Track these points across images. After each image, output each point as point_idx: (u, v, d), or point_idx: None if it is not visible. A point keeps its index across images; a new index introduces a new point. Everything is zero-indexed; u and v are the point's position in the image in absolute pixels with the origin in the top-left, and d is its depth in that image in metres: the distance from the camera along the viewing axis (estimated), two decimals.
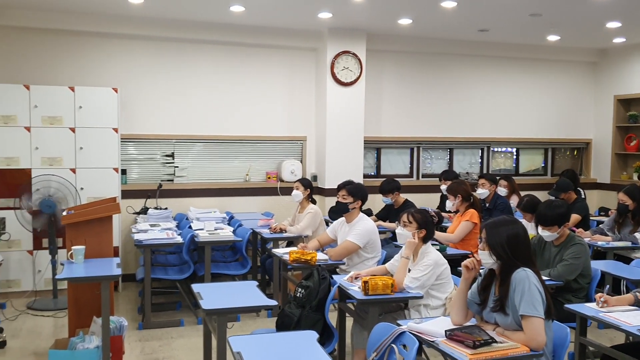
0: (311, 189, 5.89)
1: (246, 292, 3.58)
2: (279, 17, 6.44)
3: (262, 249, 6.40)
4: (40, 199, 5.57)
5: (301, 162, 7.41)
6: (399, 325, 2.85)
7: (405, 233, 3.72)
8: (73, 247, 4.26)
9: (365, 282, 3.42)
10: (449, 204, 5.17)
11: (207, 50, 7.00)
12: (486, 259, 2.89)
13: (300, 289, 3.63)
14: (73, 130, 6.01)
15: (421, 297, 3.55)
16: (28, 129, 5.87)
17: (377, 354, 2.68)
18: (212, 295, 3.44)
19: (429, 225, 3.74)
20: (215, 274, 5.53)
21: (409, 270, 3.65)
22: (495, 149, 8.57)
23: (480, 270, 3.02)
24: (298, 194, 5.81)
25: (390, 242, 5.80)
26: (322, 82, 7.13)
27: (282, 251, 4.80)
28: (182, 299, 5.81)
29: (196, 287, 3.61)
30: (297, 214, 5.88)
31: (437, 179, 7.24)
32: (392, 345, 2.64)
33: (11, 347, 4.63)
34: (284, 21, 6.66)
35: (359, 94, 7.14)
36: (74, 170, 6.03)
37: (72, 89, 6.00)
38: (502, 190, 6.61)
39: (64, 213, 4.60)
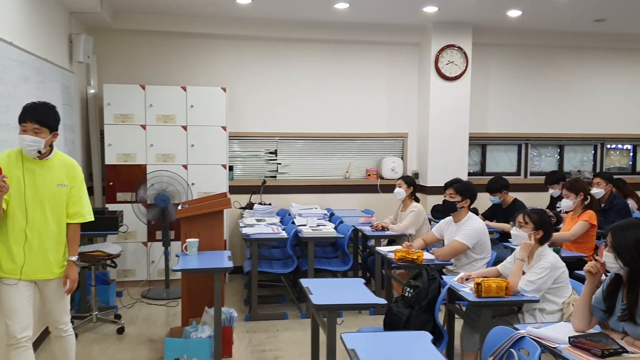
0: (414, 187, 5.80)
1: (354, 289, 3.57)
2: (383, 12, 6.39)
3: (364, 246, 6.39)
4: (155, 193, 5.87)
5: (402, 159, 7.32)
6: (516, 329, 2.73)
7: (520, 234, 3.56)
8: (187, 240, 4.45)
9: (478, 284, 3.31)
10: (566, 203, 4.86)
11: (310, 49, 7.08)
12: (611, 263, 2.70)
13: (408, 289, 3.58)
14: (185, 128, 6.28)
15: (537, 301, 3.39)
16: (144, 127, 6.21)
17: (494, 358, 2.58)
18: (320, 290, 3.46)
19: (546, 226, 3.55)
20: (317, 269, 5.58)
21: (524, 273, 3.49)
22: (610, 146, 8.05)
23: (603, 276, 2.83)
24: (401, 191, 5.74)
25: (498, 243, 5.59)
26: (425, 77, 7.00)
27: (386, 249, 4.75)
28: (286, 293, 5.93)
29: (305, 282, 3.65)
30: (400, 212, 5.81)
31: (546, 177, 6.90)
32: (511, 350, 2.53)
33: (129, 334, 4.91)
34: (387, 17, 6.60)
35: (464, 89, 6.94)
36: (185, 167, 6.31)
37: (184, 88, 6.28)
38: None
39: (179, 207, 4.81)
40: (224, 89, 6.36)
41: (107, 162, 6.18)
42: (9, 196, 3.13)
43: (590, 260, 2.86)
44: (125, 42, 6.65)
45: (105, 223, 5.24)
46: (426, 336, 2.74)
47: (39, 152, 3.18)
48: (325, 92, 7.15)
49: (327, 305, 3.22)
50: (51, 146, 3.29)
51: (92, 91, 6.32)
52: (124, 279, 6.29)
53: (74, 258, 3.35)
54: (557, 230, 5.08)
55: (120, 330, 4.92)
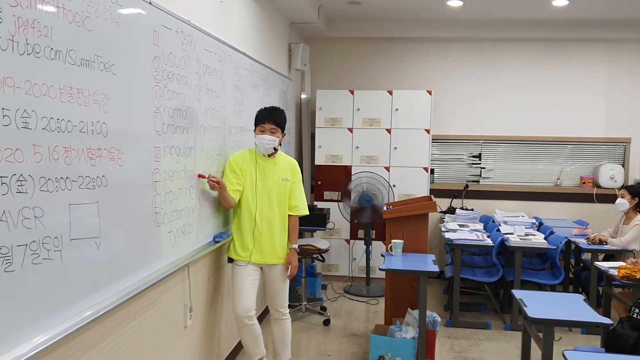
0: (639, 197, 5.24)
1: (573, 305, 3.35)
2: (607, 8, 5.87)
3: (577, 260, 5.94)
4: (360, 193, 6.10)
5: (623, 166, 6.66)
6: None
7: None
8: (393, 241, 4.55)
9: None
10: None
11: (520, 48, 6.78)
12: None
13: (637, 310, 3.25)
14: (389, 131, 6.43)
15: None
16: (351, 130, 6.48)
17: None
18: (535, 303, 3.30)
19: None
20: (524, 280, 5.32)
21: None
22: None
23: None
24: (623, 202, 5.22)
25: None
26: None
27: (607, 265, 4.37)
28: (488, 302, 5.76)
29: (517, 293, 3.51)
30: (621, 225, 5.29)
31: None
32: None
33: (334, 326, 5.17)
34: (611, 12, 6.05)
35: None
36: (387, 169, 6.45)
37: (390, 92, 6.42)
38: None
39: (385, 208, 4.93)
40: (430, 92, 6.37)
41: (317, 162, 6.57)
42: (243, 188, 3.58)
43: None
44: (337, 49, 7.00)
45: (314, 219, 5.59)
46: None
47: (274, 149, 3.60)
48: (534, 93, 6.79)
49: (545, 320, 3.06)
50: (277, 148, 3.67)
51: (305, 96, 6.77)
52: (328, 273, 6.62)
53: (295, 246, 3.68)
54: None
55: (327, 322, 5.20)
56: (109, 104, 2.25)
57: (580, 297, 3.47)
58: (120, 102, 2.34)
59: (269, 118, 3.59)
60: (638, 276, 3.79)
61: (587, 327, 4.93)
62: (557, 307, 3.31)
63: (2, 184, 1.67)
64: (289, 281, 3.78)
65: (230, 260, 3.67)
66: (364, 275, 6.39)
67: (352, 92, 6.46)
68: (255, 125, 3.62)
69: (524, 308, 3.20)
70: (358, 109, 6.45)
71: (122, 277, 2.39)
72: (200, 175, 3.29)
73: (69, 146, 1.99)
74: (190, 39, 3.08)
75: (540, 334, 3.17)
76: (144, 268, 2.59)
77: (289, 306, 3.88)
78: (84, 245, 2.10)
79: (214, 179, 3.36)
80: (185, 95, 3.03)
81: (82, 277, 2.10)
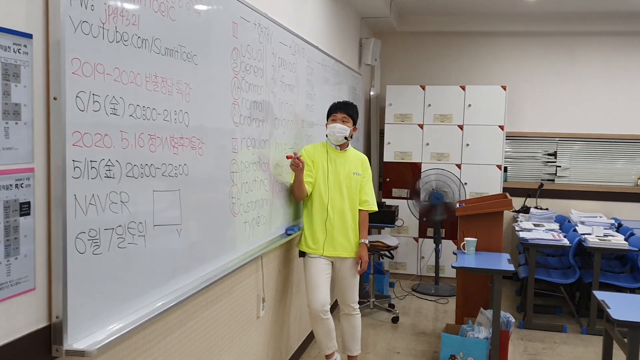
0: None
1: None
2: None
3: None
4: (430, 191, 6.00)
5: None
6: None
7: None
8: (466, 239, 4.44)
9: None
10: None
11: (597, 42, 6.48)
12: None
13: None
14: (461, 127, 6.29)
15: None
16: (421, 126, 6.38)
17: None
18: (619, 305, 3.13)
19: None
20: (602, 283, 5.07)
21: None
22: None
23: None
24: None
25: None
26: None
27: None
28: (563, 304, 5.53)
29: (599, 295, 3.35)
30: None
31: None
32: None
33: (402, 323, 5.11)
34: None
35: None
36: (459, 166, 6.31)
37: (463, 88, 6.28)
38: None
39: (457, 206, 4.82)
40: (504, 87, 6.18)
41: (385, 159, 6.50)
42: (315, 180, 3.60)
43: None
44: (407, 44, 6.91)
45: (383, 216, 5.52)
46: None
47: (345, 138, 3.60)
48: (612, 89, 6.47)
49: (632, 322, 2.90)
50: (349, 138, 3.66)
51: (374, 92, 6.72)
52: (396, 271, 6.55)
53: (366, 241, 3.65)
54: None
55: (395, 320, 5.14)
56: (191, 94, 2.29)
57: None
58: (202, 93, 2.38)
59: (341, 108, 3.62)
60: None
61: None
62: None
63: (92, 168, 1.73)
64: (359, 276, 3.76)
65: (302, 254, 3.68)
66: (432, 274, 6.28)
67: (423, 88, 6.36)
68: (328, 116, 3.63)
69: (607, 310, 3.05)
70: (429, 105, 6.34)
71: (200, 265, 2.44)
72: (288, 157, 3.38)
73: (153, 134, 2.04)
74: (267, 32, 3.11)
75: (625, 339, 3.00)
76: (220, 257, 2.63)
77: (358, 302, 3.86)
78: (166, 232, 2.15)
79: (299, 158, 3.40)
80: (261, 87, 3.06)
81: (163, 263, 2.15)
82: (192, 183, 2.32)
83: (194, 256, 2.39)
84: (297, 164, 3.40)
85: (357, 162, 3.71)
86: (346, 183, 3.63)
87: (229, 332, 2.91)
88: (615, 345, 3.34)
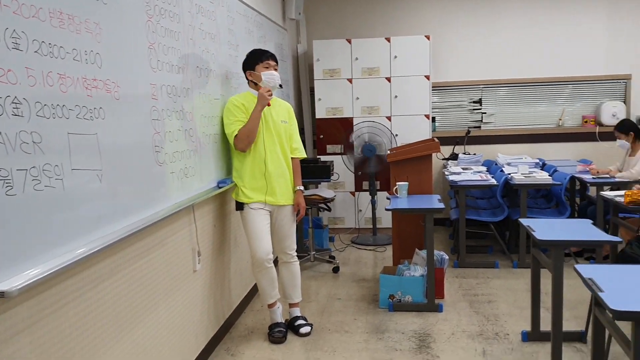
0: (635, 130, 5.19)
1: (581, 229, 3.33)
2: None
3: (582, 196, 5.93)
4: (362, 144, 6.06)
5: (624, 103, 6.59)
6: None
7: None
8: (398, 183, 4.54)
9: None
10: None
11: None
12: None
13: None
14: (389, 79, 6.35)
15: None
16: (350, 80, 6.41)
17: None
18: (544, 229, 3.29)
19: None
20: (530, 219, 5.31)
21: None
22: None
23: None
24: (623, 143, 5.22)
25: None
26: None
27: (613, 194, 4.35)
28: (494, 243, 5.77)
29: (525, 221, 3.50)
30: (628, 157, 5.26)
31: None
32: None
33: (343, 273, 5.19)
34: None
35: None
36: (389, 118, 6.40)
37: (388, 39, 6.32)
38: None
39: (387, 151, 4.90)
40: (428, 37, 6.27)
41: (317, 116, 6.50)
42: None
43: None
44: None
45: (318, 171, 5.56)
46: None
47: (280, 86, 3.58)
48: (533, 34, 6.67)
49: (555, 241, 3.05)
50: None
51: (301, 48, 6.67)
52: (335, 226, 6.63)
53: (301, 188, 3.67)
54: None
55: (336, 270, 5.22)
56: (102, 35, 2.20)
57: (588, 222, 3.46)
58: (114, 34, 2.29)
59: (271, 56, 3.59)
60: None
61: (597, 248, 4.95)
62: (566, 231, 3.30)
63: None
64: (296, 224, 3.78)
65: (240, 206, 3.63)
66: (370, 226, 6.40)
67: (349, 41, 6.36)
68: (254, 63, 3.56)
69: (532, 233, 3.19)
70: (356, 59, 6.36)
71: (128, 214, 2.38)
72: (261, 88, 3.48)
73: (63, 73, 1.95)
74: None
75: (550, 260, 3.16)
76: (148, 207, 2.57)
77: (297, 257, 3.88)
78: (86, 177, 2.08)
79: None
80: (179, 34, 2.97)
81: (86, 210, 2.08)
82: (110, 128, 2.24)
83: (119, 205, 2.32)
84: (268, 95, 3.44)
85: (284, 111, 3.70)
86: (277, 132, 3.62)
87: (164, 284, 2.87)
88: (543, 273, 3.50)
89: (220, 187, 3.53)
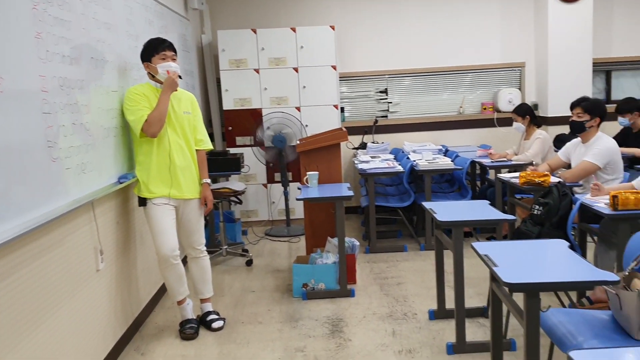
0: (530, 114, 5.52)
1: (479, 209, 3.50)
2: None
3: (482, 180, 6.23)
4: (272, 135, 6.05)
5: (520, 90, 6.98)
6: None
7: None
8: (308, 173, 4.58)
9: (615, 197, 3.13)
10: None
11: None
12: None
13: (537, 207, 3.46)
14: (296, 70, 6.37)
15: None
16: (257, 71, 6.37)
17: (637, 263, 2.44)
18: (444, 211, 3.43)
19: None
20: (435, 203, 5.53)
21: None
22: None
23: None
24: (519, 125, 5.52)
25: (628, 170, 5.23)
26: (543, 1, 6.56)
27: (509, 175, 4.60)
28: (403, 228, 5.96)
29: (427, 205, 3.63)
30: (523, 141, 5.58)
31: None
32: None
33: (257, 265, 5.17)
34: None
35: (586, 10, 6.44)
36: (298, 109, 6.42)
37: (294, 29, 6.33)
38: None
39: (297, 141, 4.92)
40: (332, 27, 6.34)
41: (225, 107, 6.41)
42: None
43: None
44: None
45: (228, 164, 5.51)
46: (562, 243, 2.64)
47: (180, 77, 3.47)
48: (435, 24, 6.90)
49: (454, 222, 3.19)
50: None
51: (206, 39, 6.55)
52: (247, 219, 6.59)
53: (208, 180, 3.61)
54: None
55: (249, 263, 5.19)
56: None
57: (486, 202, 3.64)
58: None
59: (169, 46, 3.47)
60: (537, 180, 4.02)
61: (494, 226, 5.21)
62: (465, 212, 3.46)
63: None
64: (204, 218, 3.72)
65: (143, 202, 3.51)
66: (284, 218, 6.41)
67: (254, 31, 6.31)
68: (151, 54, 3.44)
69: (434, 215, 3.32)
70: (262, 49, 6.32)
71: (21, 213, 2.25)
72: (167, 72, 3.37)
73: None
74: None
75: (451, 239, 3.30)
76: (44, 205, 2.44)
77: (209, 252, 3.83)
78: None
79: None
80: (70, 23, 2.83)
81: None
82: None
83: (12, 204, 2.19)
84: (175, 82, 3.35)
85: (186, 102, 3.61)
86: (181, 124, 3.52)
87: (65, 285, 2.74)
88: (447, 254, 3.65)
89: (121, 183, 3.41)
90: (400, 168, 5.36)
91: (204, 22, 6.56)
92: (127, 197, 3.71)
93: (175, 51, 3.52)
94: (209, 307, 3.81)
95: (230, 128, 6.45)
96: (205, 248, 3.76)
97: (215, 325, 3.71)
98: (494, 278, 2.66)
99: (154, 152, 3.43)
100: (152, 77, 3.48)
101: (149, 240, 4.06)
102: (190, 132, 3.57)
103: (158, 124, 3.34)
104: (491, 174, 6.12)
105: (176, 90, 3.44)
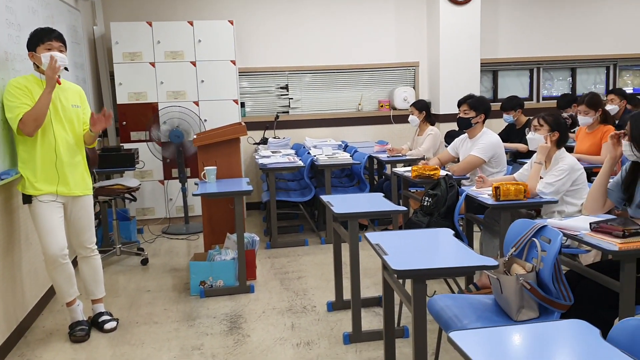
0: (427, 110, 5.77)
1: (373, 201, 3.61)
2: None
3: (379, 174, 6.42)
4: (169, 130, 5.90)
5: (414, 88, 7.26)
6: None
7: (536, 137, 3.57)
8: (205, 168, 4.51)
9: (497, 188, 3.33)
10: (585, 120, 4.77)
11: None
12: (629, 152, 2.75)
13: (427, 198, 3.62)
14: (194, 64, 6.24)
15: (556, 202, 3.42)
16: (153, 64, 6.17)
17: (515, 249, 2.62)
18: (341, 203, 3.50)
19: (562, 127, 3.55)
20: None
21: (542, 178, 3.51)
22: (624, 67, 7.92)
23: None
24: (414, 119, 5.73)
25: (512, 164, 5.60)
26: (434, 3, 6.86)
27: (403, 169, 4.77)
28: (305, 222, 6.02)
29: (325, 198, 3.69)
30: (416, 137, 5.81)
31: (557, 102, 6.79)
32: (533, 239, 2.56)
33: (153, 264, 5.03)
34: None
35: (474, 13, 6.81)
36: (197, 103, 6.30)
37: (191, 23, 6.20)
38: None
39: (194, 136, 4.84)
40: (231, 22, 6.27)
41: (119, 101, 6.17)
42: None
43: None
44: None
45: (121, 160, 5.32)
46: (448, 232, 2.78)
47: (66, 69, 3.30)
48: (334, 22, 7.03)
49: (349, 214, 3.27)
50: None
51: (98, 31, 6.27)
52: (143, 217, 6.38)
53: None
54: (569, 149, 5.06)
55: (145, 262, 5.03)
56: None
57: (380, 195, 3.76)
58: None
59: (54, 36, 3.27)
60: (427, 173, 4.20)
61: (387, 217, 5.40)
62: (360, 204, 3.55)
63: None
64: (94, 216, 3.57)
65: (27, 199, 3.30)
66: (183, 215, 6.27)
67: (150, 24, 6.12)
68: (36, 44, 3.24)
69: (331, 207, 3.38)
70: (158, 42, 6.14)
71: None
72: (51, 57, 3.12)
73: None
74: None
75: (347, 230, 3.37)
76: None
77: (102, 252, 3.68)
78: None
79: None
80: None
81: None
82: None
83: None
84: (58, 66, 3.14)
85: (74, 95, 3.46)
86: (68, 117, 3.36)
87: None
88: (345, 246, 3.72)
89: (2, 179, 3.19)
90: (300, 163, 5.41)
91: (95, 13, 6.27)
92: (11, 194, 3.48)
93: (64, 42, 3.33)
94: (101, 308, 3.66)
95: (125, 123, 6.21)
96: (96, 247, 3.60)
97: (107, 326, 3.56)
98: (385, 267, 2.76)
99: (38, 148, 3.24)
100: (37, 67, 3.28)
101: (35, 240, 3.83)
102: (78, 126, 3.41)
103: (33, 123, 3.15)
104: (389, 169, 6.32)
105: (59, 82, 3.24)
